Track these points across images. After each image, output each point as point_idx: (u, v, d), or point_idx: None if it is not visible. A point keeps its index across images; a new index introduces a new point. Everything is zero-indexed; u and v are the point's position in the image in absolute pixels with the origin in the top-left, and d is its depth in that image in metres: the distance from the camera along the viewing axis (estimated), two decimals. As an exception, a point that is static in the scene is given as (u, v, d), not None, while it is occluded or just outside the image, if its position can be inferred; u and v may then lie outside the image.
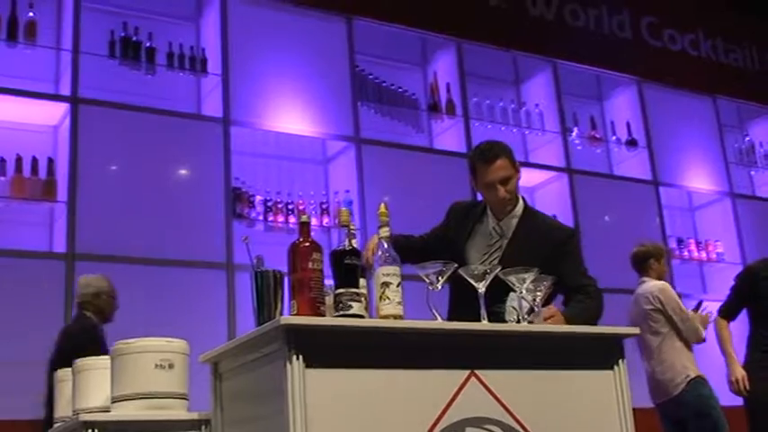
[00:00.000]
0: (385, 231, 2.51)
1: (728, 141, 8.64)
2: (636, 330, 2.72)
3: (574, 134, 7.76)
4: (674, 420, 5.20)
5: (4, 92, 5.39)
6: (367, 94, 6.82)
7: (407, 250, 3.21)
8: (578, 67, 7.84)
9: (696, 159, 8.30)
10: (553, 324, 2.82)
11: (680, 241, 8.04)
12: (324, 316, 2.33)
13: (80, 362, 2.80)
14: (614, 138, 8.08)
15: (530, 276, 2.66)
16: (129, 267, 5.25)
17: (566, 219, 7.27)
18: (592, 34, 8.06)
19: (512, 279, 2.66)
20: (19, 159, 5.38)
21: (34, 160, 5.43)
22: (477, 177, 3.36)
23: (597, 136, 7.97)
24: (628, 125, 8.07)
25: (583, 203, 7.34)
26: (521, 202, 3.41)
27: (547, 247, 3.24)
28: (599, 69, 8.03)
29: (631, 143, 8.02)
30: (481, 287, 2.59)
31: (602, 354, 2.64)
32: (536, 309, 2.69)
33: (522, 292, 2.68)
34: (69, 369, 2.87)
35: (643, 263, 5.57)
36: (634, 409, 2.64)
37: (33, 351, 4.85)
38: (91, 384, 2.74)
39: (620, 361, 2.65)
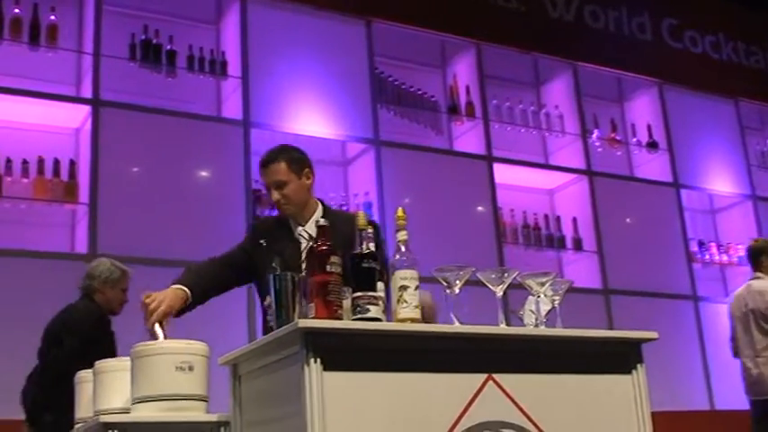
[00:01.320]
0: (402, 235, 2.52)
1: (750, 144, 8.60)
2: (654, 335, 2.70)
3: (594, 136, 7.74)
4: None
5: (26, 94, 5.44)
6: (386, 96, 6.83)
7: (229, 270, 3.36)
8: (599, 68, 7.82)
9: (717, 162, 8.26)
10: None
11: (701, 244, 8.01)
12: (341, 319, 2.35)
13: (100, 363, 2.82)
14: (635, 140, 8.05)
15: (548, 280, 2.67)
16: (149, 269, 5.27)
17: (586, 221, 7.28)
18: (612, 36, 8.04)
19: (529, 282, 2.67)
20: (41, 161, 5.43)
21: (56, 162, 5.47)
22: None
23: (618, 138, 7.95)
24: (648, 127, 8.04)
25: (603, 206, 7.33)
26: (318, 205, 3.51)
27: (350, 234, 3.21)
28: (619, 71, 8.01)
29: (652, 145, 7.99)
30: (499, 291, 2.59)
31: (621, 358, 2.64)
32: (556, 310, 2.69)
33: (540, 296, 2.68)
34: (90, 370, 2.89)
35: (757, 257, 5.50)
36: (653, 413, 2.64)
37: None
38: (111, 386, 2.76)
39: (639, 365, 2.65)
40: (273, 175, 3.39)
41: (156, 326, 2.93)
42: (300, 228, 3.42)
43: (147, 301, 2.97)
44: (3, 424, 4.56)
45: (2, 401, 4.70)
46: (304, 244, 3.35)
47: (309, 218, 3.44)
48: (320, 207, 3.50)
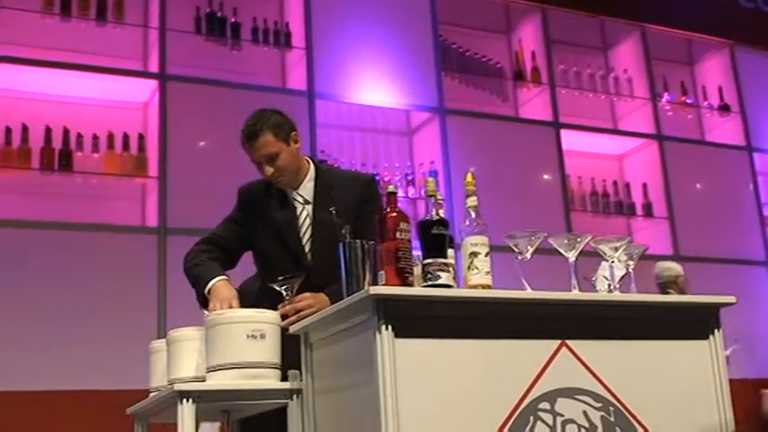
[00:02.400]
0: (472, 201, 2.49)
1: (826, 105, 8.34)
2: (732, 299, 2.64)
3: (664, 100, 7.58)
4: None
5: (94, 70, 5.50)
6: (451, 63, 6.77)
7: (228, 257, 3.22)
8: (668, 30, 7.64)
9: (792, 124, 8.04)
10: (316, 312, 2.68)
11: (775, 208, 7.82)
12: (412, 286, 2.33)
13: (174, 332, 2.86)
14: (706, 103, 7.87)
15: (622, 245, 2.62)
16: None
17: (656, 187, 7.15)
18: (682, -4, 7.85)
19: (602, 248, 2.62)
20: (111, 136, 5.50)
21: (125, 137, 5.54)
22: (247, 154, 3.18)
23: (688, 101, 7.77)
24: (720, 90, 7.85)
25: (674, 171, 7.19)
26: (310, 165, 3.26)
27: (353, 198, 3.13)
28: (689, 33, 7.81)
29: (724, 108, 7.80)
30: (571, 256, 2.55)
31: (697, 323, 2.59)
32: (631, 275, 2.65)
33: (613, 261, 2.63)
34: (163, 340, 2.93)
35: None
36: (730, 380, 2.58)
37: (127, 322, 4.99)
38: (185, 355, 2.79)
39: (716, 331, 2.59)
40: (261, 149, 3.10)
41: None
42: (294, 191, 3.22)
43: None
44: (80, 393, 4.66)
45: (79, 373, 4.81)
46: (299, 208, 3.20)
47: (302, 180, 3.21)
48: (312, 166, 3.26)
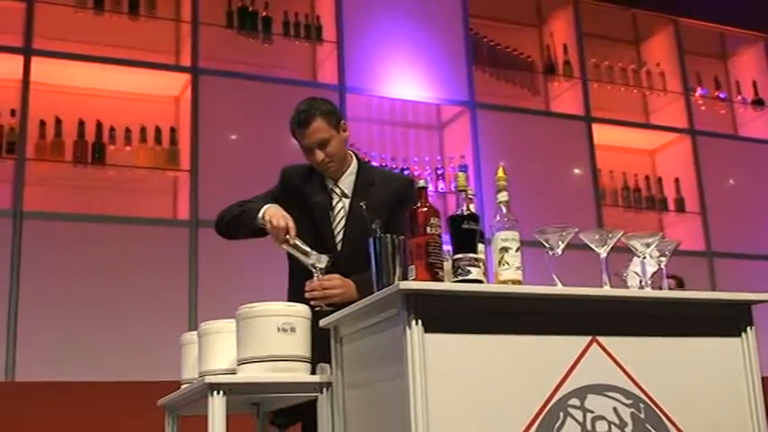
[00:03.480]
0: (503, 196, 2.49)
1: None
2: (766, 296, 2.62)
3: (697, 94, 7.51)
4: None
5: (127, 64, 5.55)
6: (482, 57, 6.75)
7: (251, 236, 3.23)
8: (701, 24, 7.57)
9: (828, 118, 7.94)
10: (341, 295, 2.75)
11: (810, 204, 7.73)
12: (443, 281, 2.33)
13: (205, 325, 2.88)
14: (739, 97, 7.79)
15: (654, 240, 2.60)
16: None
17: (689, 182, 7.10)
18: (715, -11, 7.77)
19: (634, 243, 2.61)
20: (143, 129, 5.54)
21: (157, 130, 5.58)
22: (297, 140, 3.23)
23: (721, 96, 7.69)
24: (754, 84, 7.76)
25: (707, 166, 7.13)
26: (353, 159, 3.30)
27: (389, 197, 3.15)
28: (723, 26, 7.73)
29: (758, 103, 7.72)
30: (603, 252, 2.54)
31: (730, 320, 2.56)
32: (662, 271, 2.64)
33: (645, 257, 2.62)
34: (195, 332, 2.95)
35: None
36: (763, 378, 2.56)
37: (159, 315, 5.03)
38: (216, 347, 2.80)
39: (749, 328, 2.57)
40: (315, 134, 3.15)
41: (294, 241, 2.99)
42: (332, 182, 3.26)
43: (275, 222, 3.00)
44: (112, 385, 4.70)
45: (111, 365, 4.85)
46: (336, 199, 3.24)
47: (344, 172, 3.27)
48: (355, 161, 3.31)
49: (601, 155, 6.76)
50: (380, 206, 3.05)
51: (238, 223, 3.24)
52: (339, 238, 3.20)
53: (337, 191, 3.26)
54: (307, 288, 2.90)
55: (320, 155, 3.17)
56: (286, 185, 3.36)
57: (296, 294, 3.06)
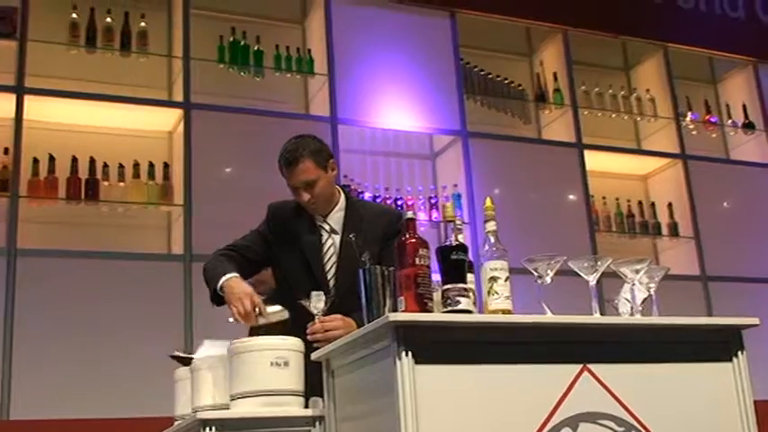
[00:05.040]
0: (491, 225, 2.50)
1: None
2: (755, 321, 2.62)
3: (687, 119, 7.54)
4: None
5: (120, 100, 5.57)
6: (473, 86, 6.79)
7: (247, 266, 3.23)
8: (690, 49, 7.62)
9: (819, 141, 7.97)
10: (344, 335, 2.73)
11: (804, 226, 7.74)
12: (432, 312, 2.34)
13: (198, 360, 2.87)
14: (730, 121, 7.82)
15: (643, 266, 2.61)
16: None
17: (682, 207, 7.11)
18: (703, 15, 7.80)
19: (624, 270, 2.61)
20: (136, 165, 5.55)
21: (151, 165, 5.59)
22: (285, 178, 3.24)
23: (712, 120, 7.73)
24: (744, 108, 7.80)
25: (699, 190, 7.14)
26: (341, 195, 3.31)
27: (379, 231, 3.16)
28: (712, 51, 7.78)
29: (749, 126, 7.75)
30: (592, 279, 2.55)
31: (720, 345, 2.57)
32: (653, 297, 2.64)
33: (634, 284, 2.63)
34: (188, 368, 2.95)
35: None
36: (755, 402, 2.56)
37: (154, 350, 5.00)
38: (208, 383, 2.81)
39: (740, 352, 2.57)
40: (301, 175, 3.16)
41: (260, 309, 2.98)
42: (321, 219, 3.28)
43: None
44: (106, 422, 4.68)
45: (105, 401, 4.83)
46: (325, 236, 3.25)
47: (332, 209, 3.28)
48: (342, 197, 3.33)
49: (593, 181, 6.78)
50: (371, 240, 3.07)
51: (207, 284, 3.21)
52: (331, 274, 3.21)
53: (326, 227, 3.26)
54: (309, 331, 2.87)
55: (306, 195, 3.18)
56: (274, 223, 3.36)
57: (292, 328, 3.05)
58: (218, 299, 3.10)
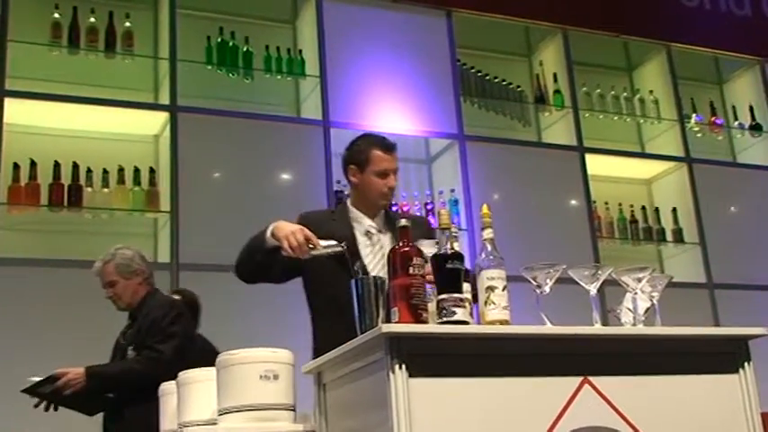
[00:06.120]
0: (488, 233, 2.50)
1: None
2: (763, 331, 2.62)
3: (692, 121, 7.56)
4: None
5: (104, 103, 5.56)
6: (470, 88, 6.79)
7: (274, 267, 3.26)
8: (694, 49, 7.63)
9: (829, 142, 7.98)
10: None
11: (813, 232, 7.75)
12: (426, 323, 2.33)
13: (184, 374, 2.86)
14: (737, 123, 7.84)
15: (645, 275, 2.61)
16: (232, 276, 5.33)
17: (687, 212, 7.13)
18: (708, 13, 7.82)
19: (625, 279, 2.61)
20: (121, 170, 5.55)
21: (136, 170, 5.59)
22: (369, 164, 3.43)
23: (718, 122, 7.74)
24: (751, 109, 7.82)
25: (705, 195, 7.14)
26: None
27: (423, 234, 3.21)
28: (717, 51, 7.80)
29: (756, 128, 7.76)
30: (593, 289, 2.55)
31: (726, 356, 2.56)
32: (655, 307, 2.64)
33: (636, 293, 2.62)
34: (174, 382, 2.94)
35: None
36: (763, 414, 2.55)
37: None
38: (195, 397, 2.79)
39: (747, 364, 2.57)
40: (396, 162, 3.47)
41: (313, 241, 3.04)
42: (369, 220, 3.46)
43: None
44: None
45: (93, 419, 4.82)
46: (375, 237, 3.39)
47: (378, 211, 3.49)
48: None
49: (595, 186, 6.79)
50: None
51: (250, 255, 3.31)
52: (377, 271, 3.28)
53: (375, 227, 3.43)
54: None
55: (393, 182, 3.44)
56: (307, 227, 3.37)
57: (325, 338, 3.07)
58: (269, 257, 3.19)
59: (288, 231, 3.08)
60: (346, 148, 3.63)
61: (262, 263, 3.29)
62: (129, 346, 4.23)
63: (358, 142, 3.56)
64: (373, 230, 3.42)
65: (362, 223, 3.44)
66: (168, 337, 4.11)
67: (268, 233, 3.17)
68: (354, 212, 3.49)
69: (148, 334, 4.17)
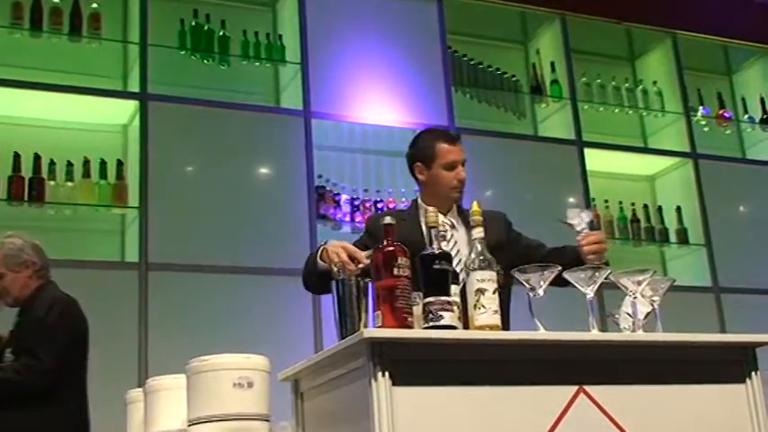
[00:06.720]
0: (478, 232, 2.50)
1: None
2: (769, 338, 2.64)
3: (699, 114, 7.58)
4: None
5: (68, 90, 5.53)
6: (462, 78, 6.79)
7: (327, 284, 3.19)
8: (701, 37, 7.66)
9: (844, 137, 8.02)
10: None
11: (826, 233, 7.79)
12: (412, 327, 2.33)
13: (152, 381, 2.86)
14: (746, 116, 7.87)
15: (645, 278, 2.62)
16: (206, 276, 5.35)
17: (692, 210, 7.14)
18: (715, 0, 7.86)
19: (624, 282, 2.62)
20: (86, 163, 5.52)
21: (102, 163, 5.56)
22: (436, 158, 3.56)
23: (726, 115, 7.77)
24: (762, 101, 7.85)
25: (711, 192, 7.17)
26: None
27: (500, 230, 3.53)
28: (726, 39, 7.82)
29: (766, 122, 7.80)
30: (589, 292, 2.55)
31: (732, 365, 2.58)
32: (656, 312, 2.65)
33: (636, 296, 2.63)
34: (141, 389, 2.93)
35: None
36: (770, 427, 2.57)
37: (104, 370, 4.97)
38: (164, 406, 2.79)
39: (754, 373, 2.58)
40: (463, 152, 3.60)
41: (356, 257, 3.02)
42: (441, 217, 3.43)
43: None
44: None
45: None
46: (450, 233, 3.47)
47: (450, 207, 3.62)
48: None
49: (594, 182, 6.80)
50: (493, 237, 3.07)
51: (309, 275, 3.38)
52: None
53: (449, 222, 3.53)
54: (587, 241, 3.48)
55: (463, 173, 3.57)
56: (375, 232, 3.37)
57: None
58: (323, 279, 3.17)
59: (332, 252, 3.08)
60: (409, 145, 3.75)
61: (319, 285, 3.31)
62: (8, 348, 4.05)
63: (421, 138, 3.70)
64: (447, 227, 3.49)
65: (439, 218, 3.45)
66: (48, 340, 3.98)
67: (318, 256, 3.22)
68: (423, 211, 3.49)
69: (29, 335, 4.03)
